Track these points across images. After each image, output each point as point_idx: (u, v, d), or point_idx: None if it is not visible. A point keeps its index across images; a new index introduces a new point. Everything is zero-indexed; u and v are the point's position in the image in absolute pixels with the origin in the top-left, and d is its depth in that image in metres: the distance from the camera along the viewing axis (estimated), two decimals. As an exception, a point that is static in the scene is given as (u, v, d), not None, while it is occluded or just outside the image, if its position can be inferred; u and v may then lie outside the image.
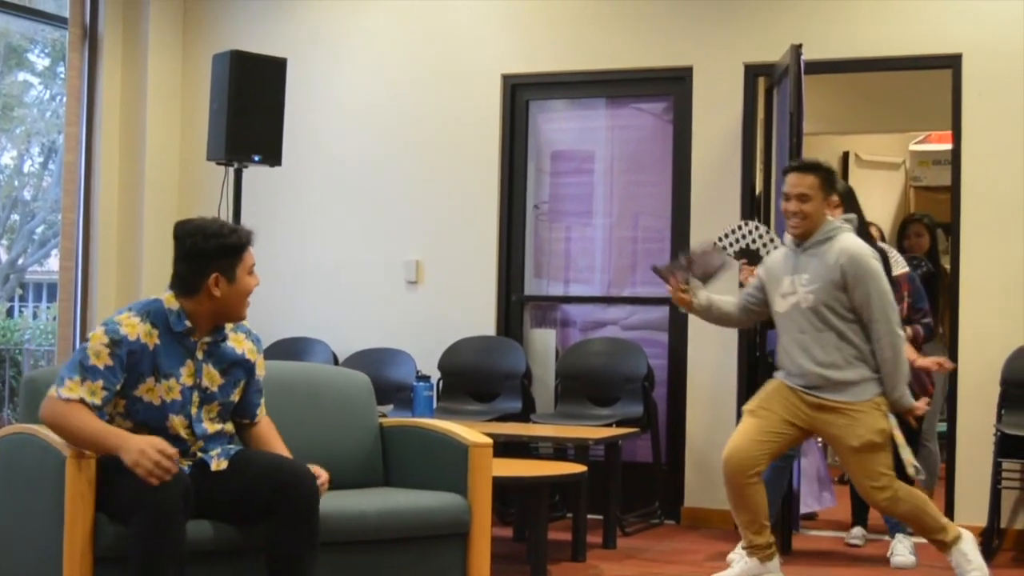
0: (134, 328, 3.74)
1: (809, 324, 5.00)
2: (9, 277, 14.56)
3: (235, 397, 3.95)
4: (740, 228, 5.91)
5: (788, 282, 5.07)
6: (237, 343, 3.96)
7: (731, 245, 5.83)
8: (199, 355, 3.84)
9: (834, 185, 5.22)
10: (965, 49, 6.45)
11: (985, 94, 6.41)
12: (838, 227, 5.08)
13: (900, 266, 5.94)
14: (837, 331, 4.96)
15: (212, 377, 3.87)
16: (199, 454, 3.83)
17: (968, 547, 4.99)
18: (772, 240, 5.83)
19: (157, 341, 3.77)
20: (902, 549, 5.77)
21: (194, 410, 3.82)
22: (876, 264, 5.01)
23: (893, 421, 4.95)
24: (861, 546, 6.26)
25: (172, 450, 3.56)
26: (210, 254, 3.80)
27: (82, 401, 3.64)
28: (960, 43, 6.46)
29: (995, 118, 6.40)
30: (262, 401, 4.07)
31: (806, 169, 5.13)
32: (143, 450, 3.51)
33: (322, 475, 3.88)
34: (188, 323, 3.80)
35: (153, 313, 3.79)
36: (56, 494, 3.58)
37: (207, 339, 3.86)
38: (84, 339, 3.81)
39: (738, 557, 5.35)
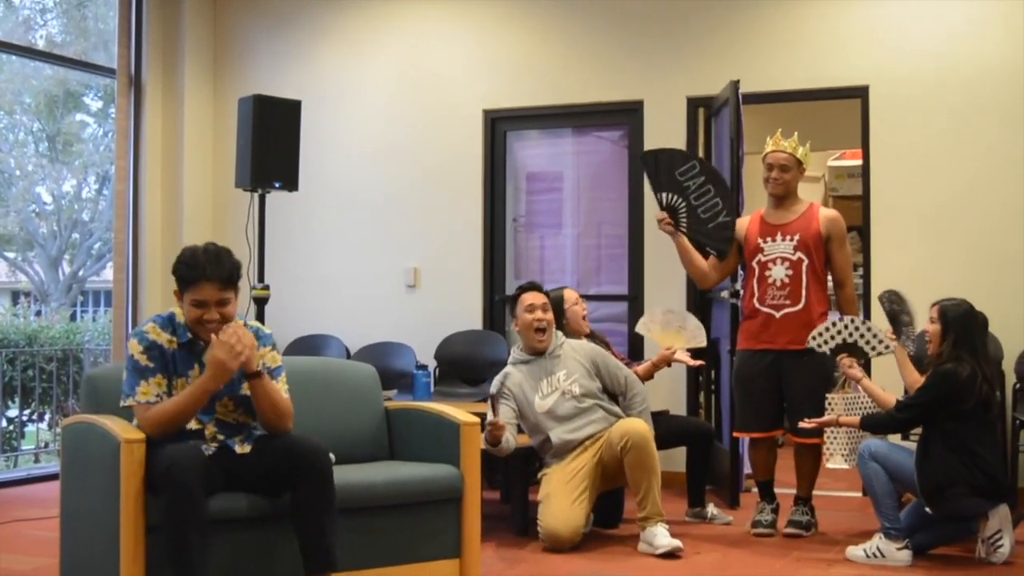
0: (159, 335, 3.75)
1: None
2: (71, 286, 14.52)
3: (245, 390, 3.78)
4: (834, 325, 5.10)
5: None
6: None
7: (825, 343, 5.11)
8: (205, 360, 3.73)
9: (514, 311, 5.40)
10: (871, 82, 6.50)
11: (887, 119, 6.46)
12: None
13: None
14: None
15: None
16: (220, 437, 3.78)
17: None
18: (872, 331, 5.06)
19: (175, 347, 3.77)
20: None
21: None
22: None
23: None
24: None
25: (235, 333, 3.65)
26: (176, 273, 3.76)
27: (158, 397, 3.68)
28: (867, 77, 6.51)
29: (896, 139, 6.45)
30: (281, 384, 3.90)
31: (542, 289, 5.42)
32: (219, 361, 3.61)
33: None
34: (189, 335, 3.77)
35: (170, 324, 3.79)
36: (113, 473, 3.59)
37: None
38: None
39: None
